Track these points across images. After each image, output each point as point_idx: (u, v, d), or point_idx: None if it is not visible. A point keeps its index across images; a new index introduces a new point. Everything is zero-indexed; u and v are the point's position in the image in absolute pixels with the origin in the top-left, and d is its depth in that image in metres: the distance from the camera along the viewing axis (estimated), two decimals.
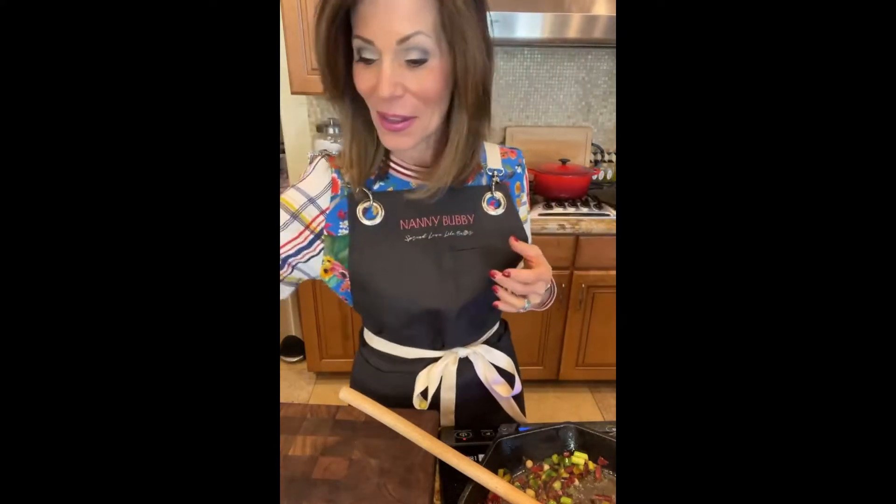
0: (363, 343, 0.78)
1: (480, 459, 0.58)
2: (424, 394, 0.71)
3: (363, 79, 0.53)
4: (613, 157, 2.34)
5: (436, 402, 0.73)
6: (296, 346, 2.29)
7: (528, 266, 0.61)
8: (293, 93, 1.87)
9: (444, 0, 0.50)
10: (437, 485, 0.61)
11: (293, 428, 0.66)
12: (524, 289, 0.58)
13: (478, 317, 0.72)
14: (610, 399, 2.14)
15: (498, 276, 0.58)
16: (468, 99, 0.56)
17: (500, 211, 0.70)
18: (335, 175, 0.65)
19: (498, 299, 0.60)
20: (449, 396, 0.73)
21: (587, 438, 0.62)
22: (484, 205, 0.69)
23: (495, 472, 0.59)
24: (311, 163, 0.67)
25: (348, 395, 0.59)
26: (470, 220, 0.67)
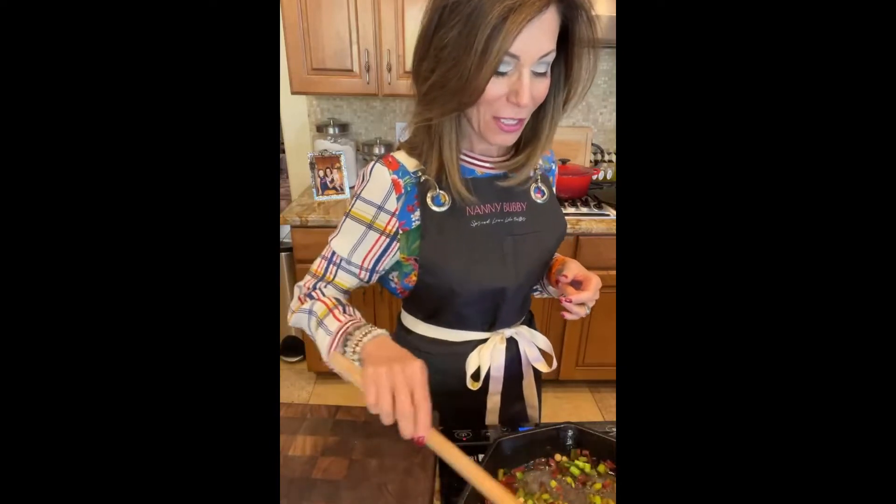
0: (406, 332, 0.81)
1: (480, 459, 0.58)
2: (475, 375, 0.76)
3: (494, 89, 0.57)
4: (613, 157, 2.34)
5: (484, 382, 0.77)
6: (296, 346, 2.29)
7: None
8: (293, 93, 1.87)
9: (573, 26, 0.57)
10: (437, 485, 0.61)
11: (293, 428, 0.66)
12: (587, 300, 0.71)
13: (526, 298, 0.82)
14: (610, 399, 2.14)
15: (564, 302, 0.72)
16: (571, 102, 0.66)
17: (545, 199, 0.78)
18: (395, 177, 0.67)
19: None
20: (497, 376, 0.78)
21: (587, 438, 0.62)
22: (532, 194, 0.76)
23: (495, 472, 0.59)
24: (364, 169, 0.70)
25: (337, 359, 0.60)
26: (523, 208, 0.74)
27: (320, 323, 0.65)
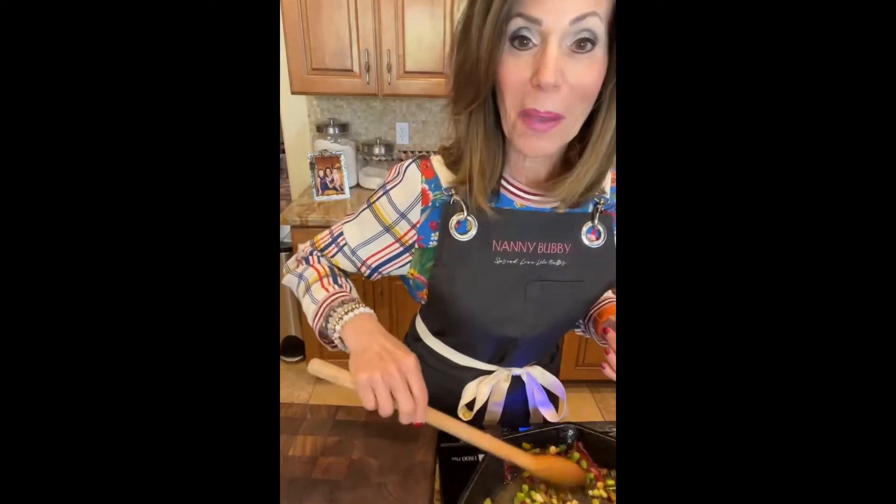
0: (416, 338, 0.77)
1: (481, 459, 0.58)
2: (470, 405, 0.71)
3: (514, 68, 0.46)
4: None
5: (479, 414, 0.73)
6: (296, 346, 2.29)
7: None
8: (293, 93, 1.87)
9: None
10: (437, 485, 0.61)
11: (293, 428, 0.66)
12: None
13: (546, 345, 0.74)
14: (610, 399, 2.14)
15: (609, 355, 0.60)
16: None
17: (600, 243, 0.63)
18: (425, 186, 0.60)
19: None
20: (495, 410, 0.73)
21: (587, 438, 0.62)
22: (583, 234, 0.62)
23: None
24: (401, 164, 0.62)
25: (318, 366, 0.56)
26: (566, 250, 0.62)
27: (308, 290, 0.63)
